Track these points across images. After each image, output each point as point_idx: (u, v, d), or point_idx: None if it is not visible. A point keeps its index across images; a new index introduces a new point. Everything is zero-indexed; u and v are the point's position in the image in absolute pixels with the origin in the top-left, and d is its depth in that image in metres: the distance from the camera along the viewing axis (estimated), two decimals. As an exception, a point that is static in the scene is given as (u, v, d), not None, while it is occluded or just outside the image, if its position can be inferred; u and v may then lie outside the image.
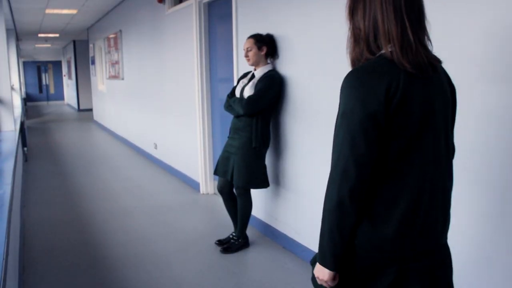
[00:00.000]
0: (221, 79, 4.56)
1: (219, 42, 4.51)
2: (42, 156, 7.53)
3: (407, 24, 1.19)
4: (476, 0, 1.93)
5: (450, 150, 1.35)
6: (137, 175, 6.05)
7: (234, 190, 3.36)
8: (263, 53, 3.22)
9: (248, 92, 3.16)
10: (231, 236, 3.44)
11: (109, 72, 9.48)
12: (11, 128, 4.83)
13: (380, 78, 1.17)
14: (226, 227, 3.71)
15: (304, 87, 3.06)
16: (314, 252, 3.04)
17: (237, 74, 3.89)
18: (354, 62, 1.29)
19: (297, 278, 2.93)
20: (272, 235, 3.58)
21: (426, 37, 1.25)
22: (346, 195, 1.19)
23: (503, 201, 1.90)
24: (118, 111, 9.16)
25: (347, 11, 1.29)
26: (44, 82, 24.27)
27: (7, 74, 4.72)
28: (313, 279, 1.37)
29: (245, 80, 3.31)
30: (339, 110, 1.23)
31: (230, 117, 3.39)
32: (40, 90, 24.07)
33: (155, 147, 6.62)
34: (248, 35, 3.30)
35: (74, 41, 15.34)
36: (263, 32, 3.32)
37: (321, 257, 1.28)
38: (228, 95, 3.33)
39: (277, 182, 3.46)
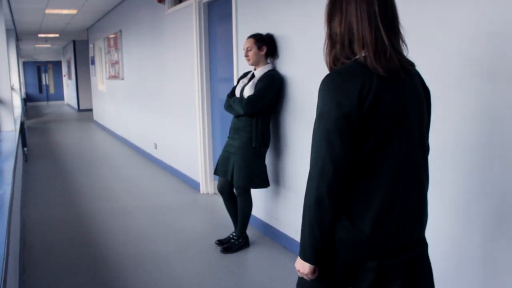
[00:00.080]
0: (221, 79, 4.56)
1: (219, 42, 4.51)
2: (42, 156, 7.53)
3: (381, 30, 1.25)
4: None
5: (425, 151, 1.40)
6: (137, 175, 6.05)
7: (234, 190, 3.36)
8: (263, 53, 3.22)
9: (248, 92, 3.16)
10: (231, 236, 3.44)
11: (109, 72, 9.48)
12: (11, 128, 4.83)
13: (353, 82, 1.23)
14: (226, 227, 3.71)
15: (304, 87, 3.06)
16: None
17: (237, 74, 3.89)
18: (331, 65, 1.35)
19: (297, 278, 2.93)
20: (272, 235, 3.58)
21: (400, 42, 1.31)
22: (324, 192, 1.25)
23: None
24: (118, 111, 9.16)
25: (325, 17, 1.36)
26: (44, 82, 24.28)
27: (7, 74, 4.72)
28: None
29: (245, 80, 3.31)
30: (316, 111, 1.29)
31: (230, 117, 3.39)
32: (40, 90, 24.08)
33: (155, 147, 6.62)
34: (248, 35, 3.30)
35: (74, 41, 15.34)
36: (263, 32, 3.32)
37: (302, 251, 1.34)
38: (228, 95, 3.33)
39: (277, 182, 3.46)
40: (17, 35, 11.86)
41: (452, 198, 2.10)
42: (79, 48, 15.38)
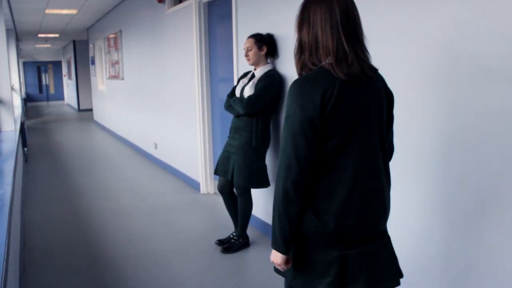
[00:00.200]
0: (221, 79, 4.56)
1: (219, 42, 4.51)
2: (42, 156, 7.54)
3: (343, 39, 1.37)
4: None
5: (386, 151, 1.51)
6: (137, 175, 6.05)
7: (234, 190, 3.36)
8: (263, 52, 3.22)
9: (248, 91, 3.16)
10: (231, 236, 3.44)
11: (109, 72, 9.48)
12: (11, 128, 4.83)
13: (317, 87, 1.36)
14: (227, 227, 3.71)
15: (304, 87, 3.05)
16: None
17: (237, 74, 3.89)
18: (299, 70, 1.48)
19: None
20: (272, 234, 3.58)
21: (363, 49, 1.42)
22: (290, 187, 1.38)
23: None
24: (118, 111, 9.16)
25: (295, 26, 1.49)
26: (44, 82, 24.29)
27: (7, 74, 4.72)
28: (274, 268, 1.57)
29: (245, 80, 3.31)
30: (285, 113, 1.42)
31: (230, 117, 3.39)
32: (40, 90, 24.09)
33: (155, 147, 6.62)
34: (248, 35, 3.30)
35: (74, 41, 15.35)
36: (263, 32, 3.32)
37: (273, 242, 1.47)
38: (228, 95, 3.34)
39: (278, 181, 3.45)
40: (17, 35, 11.86)
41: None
42: (79, 48, 15.38)
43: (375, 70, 1.48)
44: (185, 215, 4.28)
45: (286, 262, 1.47)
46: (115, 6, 8.27)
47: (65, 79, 20.95)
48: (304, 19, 1.45)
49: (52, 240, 3.71)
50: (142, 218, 4.19)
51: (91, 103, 13.38)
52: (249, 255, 3.33)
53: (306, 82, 1.39)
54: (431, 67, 2.16)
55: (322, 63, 1.41)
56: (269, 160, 3.44)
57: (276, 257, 1.48)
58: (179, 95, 5.45)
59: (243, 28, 3.76)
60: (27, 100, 20.65)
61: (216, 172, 3.39)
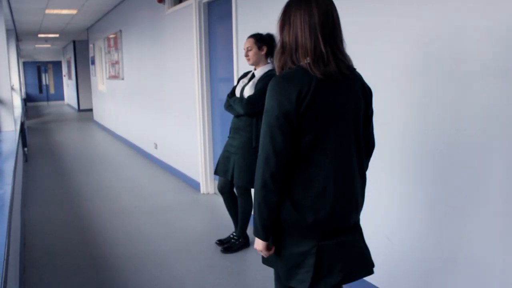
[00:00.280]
0: (221, 79, 4.56)
1: (219, 42, 4.51)
2: (42, 156, 7.54)
3: (320, 40, 1.45)
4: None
5: (361, 148, 1.59)
6: (138, 175, 6.05)
7: (234, 190, 3.36)
8: (263, 52, 3.21)
9: (248, 91, 3.16)
10: (231, 236, 3.44)
11: (109, 72, 9.48)
12: (11, 128, 4.83)
13: (294, 84, 1.44)
14: (227, 227, 3.71)
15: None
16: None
17: (237, 74, 3.89)
18: (280, 68, 1.55)
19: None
20: (272, 234, 3.58)
21: (341, 49, 1.50)
22: (268, 177, 1.46)
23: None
24: (118, 111, 9.16)
25: (278, 27, 1.56)
26: (44, 82, 24.28)
27: (7, 74, 4.72)
28: (262, 259, 1.67)
29: (245, 80, 3.31)
30: (264, 109, 1.51)
31: (230, 117, 3.38)
32: (40, 90, 24.09)
33: (155, 147, 6.62)
34: (248, 35, 3.30)
35: (74, 41, 15.34)
36: (263, 32, 3.32)
37: (255, 230, 1.56)
38: (228, 95, 3.33)
39: (278, 181, 3.45)
40: (17, 35, 11.86)
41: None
42: (79, 48, 15.38)
43: (352, 69, 1.55)
44: (185, 215, 4.28)
45: (267, 248, 1.57)
46: (115, 6, 8.27)
47: (65, 79, 20.95)
48: (285, 21, 1.52)
49: (52, 240, 3.71)
50: (142, 218, 4.19)
51: (91, 103, 13.38)
52: (249, 255, 3.33)
53: (284, 79, 1.47)
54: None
55: (301, 63, 1.49)
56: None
57: (258, 244, 1.57)
58: (179, 95, 5.45)
59: (243, 28, 3.76)
60: (27, 100, 20.65)
61: (216, 172, 3.39)
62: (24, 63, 22.57)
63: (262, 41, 3.21)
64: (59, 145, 8.75)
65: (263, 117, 1.50)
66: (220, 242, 3.46)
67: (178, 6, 5.18)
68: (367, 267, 1.62)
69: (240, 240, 3.39)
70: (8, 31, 6.79)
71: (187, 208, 4.50)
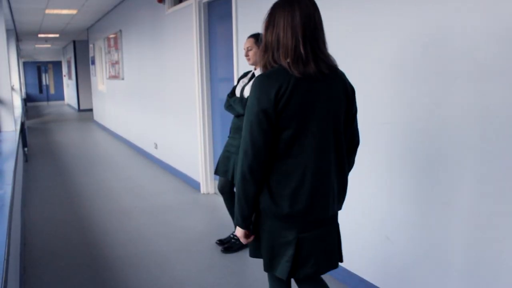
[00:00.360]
0: (221, 79, 4.56)
1: (219, 42, 4.52)
2: (43, 156, 7.54)
3: (301, 41, 1.53)
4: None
5: (341, 144, 1.65)
6: (138, 175, 6.06)
7: (234, 190, 3.35)
8: (263, 52, 3.21)
9: (248, 91, 3.16)
10: (231, 236, 3.44)
11: (109, 72, 9.48)
12: (12, 128, 4.83)
13: (273, 83, 1.52)
14: (227, 227, 3.72)
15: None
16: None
17: (237, 74, 3.89)
18: (264, 67, 1.63)
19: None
20: (272, 234, 3.58)
21: (322, 49, 1.57)
22: (246, 170, 1.56)
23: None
24: (118, 111, 9.16)
25: (263, 27, 1.64)
26: (44, 83, 24.28)
27: (7, 74, 4.72)
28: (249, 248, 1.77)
29: (245, 80, 3.31)
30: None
31: (230, 116, 3.38)
32: (40, 91, 24.08)
33: (156, 147, 6.62)
34: (248, 34, 3.29)
35: (74, 41, 15.34)
36: (263, 31, 3.31)
37: (235, 219, 1.66)
38: (228, 95, 3.33)
39: (278, 181, 3.45)
40: (17, 35, 11.86)
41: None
42: (79, 48, 15.38)
43: (333, 68, 1.62)
44: (185, 215, 4.28)
45: (246, 236, 1.68)
46: (115, 6, 8.27)
47: (65, 79, 20.95)
48: (270, 22, 1.60)
49: (53, 240, 3.71)
50: (142, 218, 4.20)
51: (91, 103, 13.38)
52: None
53: (265, 78, 1.56)
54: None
55: (282, 62, 1.56)
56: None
57: (238, 231, 1.68)
58: (179, 95, 5.45)
59: (243, 28, 3.76)
60: (27, 100, 20.65)
61: (216, 172, 3.38)
62: (24, 63, 22.57)
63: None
64: (59, 145, 8.75)
65: (245, 113, 1.59)
66: (220, 242, 3.46)
67: (178, 6, 5.18)
68: (336, 261, 1.74)
69: (240, 240, 3.39)
70: (8, 31, 6.79)
71: (187, 208, 4.50)
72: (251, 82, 3.21)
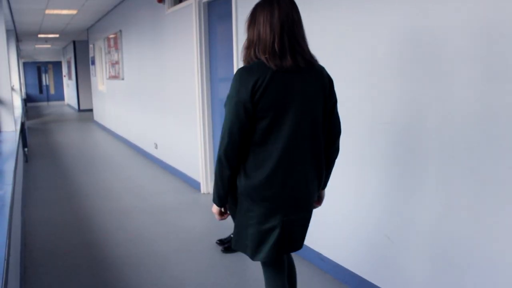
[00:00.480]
0: (221, 78, 4.56)
1: (219, 42, 4.52)
2: (43, 157, 7.54)
3: (277, 37, 1.65)
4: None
5: (318, 133, 1.76)
6: (138, 175, 6.06)
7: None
8: (263, 52, 3.21)
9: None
10: (232, 236, 3.43)
11: (109, 72, 9.49)
12: (12, 128, 4.83)
13: (251, 76, 1.65)
14: (227, 227, 3.71)
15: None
16: (315, 251, 3.06)
17: (237, 74, 3.88)
18: (247, 62, 1.76)
19: (298, 277, 2.93)
20: (273, 234, 3.58)
21: (301, 44, 1.69)
22: (222, 154, 1.71)
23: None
24: (118, 111, 9.17)
25: (246, 25, 1.79)
26: (44, 83, 24.28)
27: (7, 74, 4.72)
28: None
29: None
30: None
31: (230, 116, 3.38)
32: (40, 91, 24.09)
33: (156, 147, 6.62)
34: (248, 34, 3.30)
35: (74, 42, 15.35)
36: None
37: (213, 198, 1.84)
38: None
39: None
40: (17, 35, 11.87)
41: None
42: (79, 48, 15.38)
43: (310, 62, 1.73)
44: (185, 215, 4.28)
45: (220, 213, 1.86)
46: (115, 6, 8.27)
47: (65, 80, 20.95)
48: (252, 20, 1.74)
49: (53, 240, 3.72)
50: (142, 218, 4.20)
51: (91, 103, 13.38)
52: (250, 255, 3.33)
53: (245, 71, 1.69)
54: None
55: (261, 57, 1.68)
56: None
57: (214, 208, 1.86)
58: (179, 95, 5.45)
59: (243, 28, 3.76)
60: (27, 100, 20.65)
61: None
62: (24, 64, 22.58)
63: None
64: (60, 145, 8.75)
65: (225, 103, 1.72)
66: (221, 242, 3.46)
67: (178, 6, 5.18)
68: (301, 244, 1.87)
69: (241, 240, 3.39)
70: (8, 31, 6.80)
71: (187, 208, 4.50)
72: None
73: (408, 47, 2.27)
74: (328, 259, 2.96)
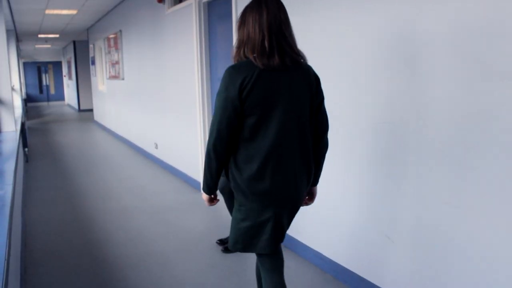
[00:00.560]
0: (221, 78, 4.56)
1: (219, 41, 4.52)
2: (43, 157, 7.54)
3: (266, 37, 1.72)
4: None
5: (305, 129, 1.82)
6: (138, 175, 6.06)
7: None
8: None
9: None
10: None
11: (109, 72, 9.49)
12: (12, 128, 4.84)
13: (240, 73, 1.72)
14: (227, 227, 3.71)
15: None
16: (315, 251, 3.06)
17: (237, 74, 3.89)
18: (235, 60, 1.83)
19: (298, 277, 2.93)
20: (273, 234, 3.58)
21: (289, 44, 1.76)
22: (211, 148, 1.78)
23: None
24: (119, 111, 9.17)
25: (237, 26, 1.85)
26: (44, 83, 24.28)
27: (8, 74, 4.72)
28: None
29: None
30: None
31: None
32: (41, 91, 24.09)
33: (156, 146, 6.62)
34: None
35: (74, 42, 15.35)
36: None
37: (202, 187, 1.93)
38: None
39: (278, 181, 3.46)
40: (17, 35, 11.87)
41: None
42: (79, 48, 15.38)
43: (297, 61, 1.79)
44: (185, 214, 4.29)
45: (210, 200, 1.97)
46: (115, 6, 8.27)
47: (65, 80, 20.95)
48: (242, 20, 1.81)
49: (53, 240, 3.72)
50: (142, 218, 4.20)
51: (91, 103, 13.38)
52: (249, 255, 3.33)
53: (234, 69, 1.75)
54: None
55: (249, 56, 1.75)
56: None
57: (203, 195, 1.96)
58: (179, 95, 5.45)
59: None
60: (28, 100, 20.67)
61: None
62: (24, 64, 22.58)
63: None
64: (60, 145, 8.76)
65: (215, 99, 1.78)
66: (221, 242, 3.46)
67: (178, 6, 5.18)
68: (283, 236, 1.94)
69: (241, 239, 3.39)
70: (8, 31, 6.80)
71: (187, 207, 4.50)
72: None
73: (408, 47, 2.27)
74: (328, 259, 2.97)
